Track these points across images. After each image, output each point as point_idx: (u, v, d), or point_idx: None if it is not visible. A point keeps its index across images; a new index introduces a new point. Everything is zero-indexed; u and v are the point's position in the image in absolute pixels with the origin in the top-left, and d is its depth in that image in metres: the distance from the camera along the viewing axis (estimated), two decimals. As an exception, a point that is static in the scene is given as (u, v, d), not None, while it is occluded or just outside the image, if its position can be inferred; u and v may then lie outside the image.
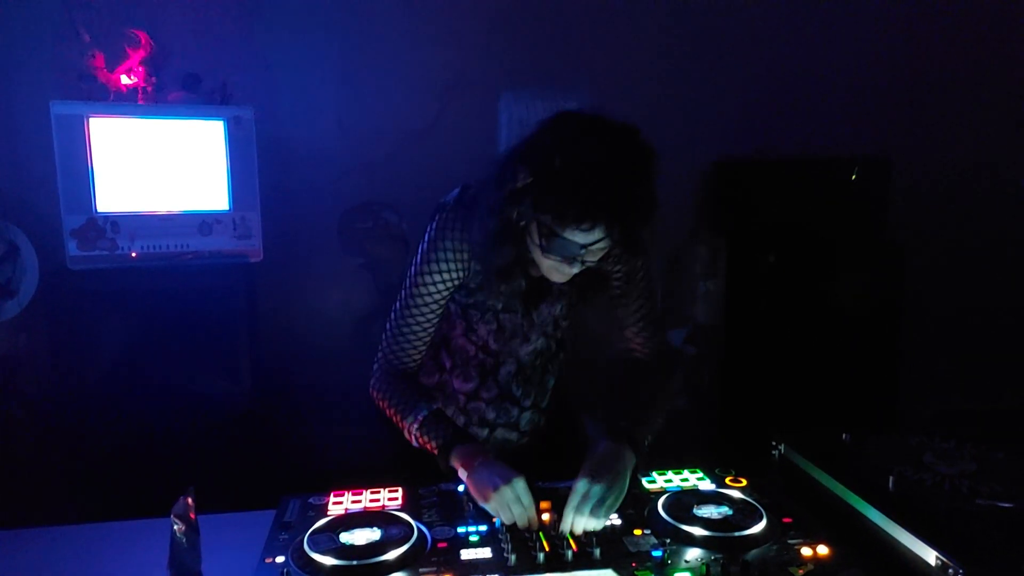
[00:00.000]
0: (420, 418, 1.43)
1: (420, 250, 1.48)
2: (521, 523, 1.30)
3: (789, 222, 2.71)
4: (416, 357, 1.54)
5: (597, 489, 1.27)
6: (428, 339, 1.53)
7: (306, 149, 2.77)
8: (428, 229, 1.48)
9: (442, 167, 2.81)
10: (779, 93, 3.00)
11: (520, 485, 1.30)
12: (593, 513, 1.26)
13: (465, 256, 1.45)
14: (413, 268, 1.49)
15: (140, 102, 2.24)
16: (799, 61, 3.00)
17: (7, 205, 2.44)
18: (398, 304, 1.51)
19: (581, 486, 1.28)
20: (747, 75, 2.99)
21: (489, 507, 1.31)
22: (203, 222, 2.27)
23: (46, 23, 2.42)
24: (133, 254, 2.21)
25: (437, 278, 1.46)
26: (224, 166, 2.29)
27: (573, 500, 1.27)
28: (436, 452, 1.41)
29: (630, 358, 1.62)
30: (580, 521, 1.26)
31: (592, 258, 1.32)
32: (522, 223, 1.32)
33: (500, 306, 1.52)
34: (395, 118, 2.83)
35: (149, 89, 2.26)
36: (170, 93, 2.30)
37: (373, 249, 2.91)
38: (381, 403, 1.53)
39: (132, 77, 2.23)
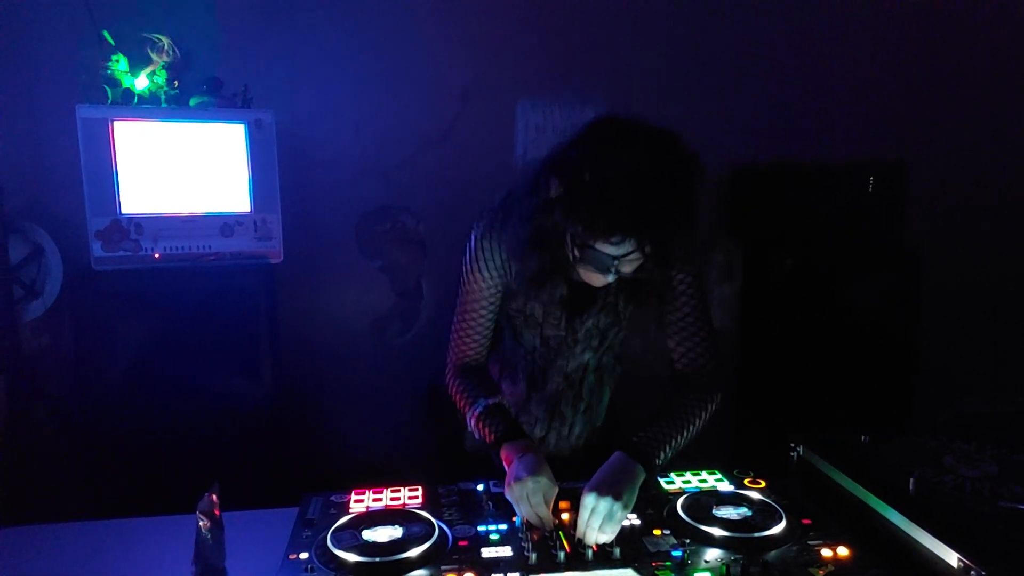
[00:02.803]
0: (477, 412, 1.47)
1: (465, 252, 1.51)
2: (534, 522, 1.31)
3: (806, 227, 2.70)
4: (474, 353, 1.58)
5: (603, 504, 1.26)
6: (485, 335, 1.56)
7: (325, 152, 2.79)
8: (472, 231, 1.51)
9: (459, 171, 2.84)
10: (796, 98, 3.00)
11: (532, 484, 1.30)
12: (602, 527, 1.26)
13: (504, 258, 1.47)
14: (462, 269, 1.52)
15: (163, 106, 2.27)
16: (816, 66, 3.00)
17: (33, 207, 2.48)
18: (457, 305, 1.56)
19: (589, 500, 1.28)
20: (764, 81, 2.98)
21: (508, 498, 1.34)
22: (225, 224, 2.30)
23: (71, 29, 2.46)
24: (156, 255, 2.23)
25: (479, 277, 1.49)
26: (245, 169, 2.32)
27: (583, 514, 1.27)
28: (490, 444, 1.44)
29: (672, 372, 1.58)
30: (591, 535, 1.26)
31: (627, 268, 1.31)
32: (558, 230, 1.32)
33: (543, 317, 1.52)
34: (413, 122, 2.85)
35: (172, 93, 2.29)
36: (192, 97, 2.32)
37: (391, 251, 2.93)
38: (452, 395, 1.57)
39: (155, 81, 2.26)
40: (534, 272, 1.39)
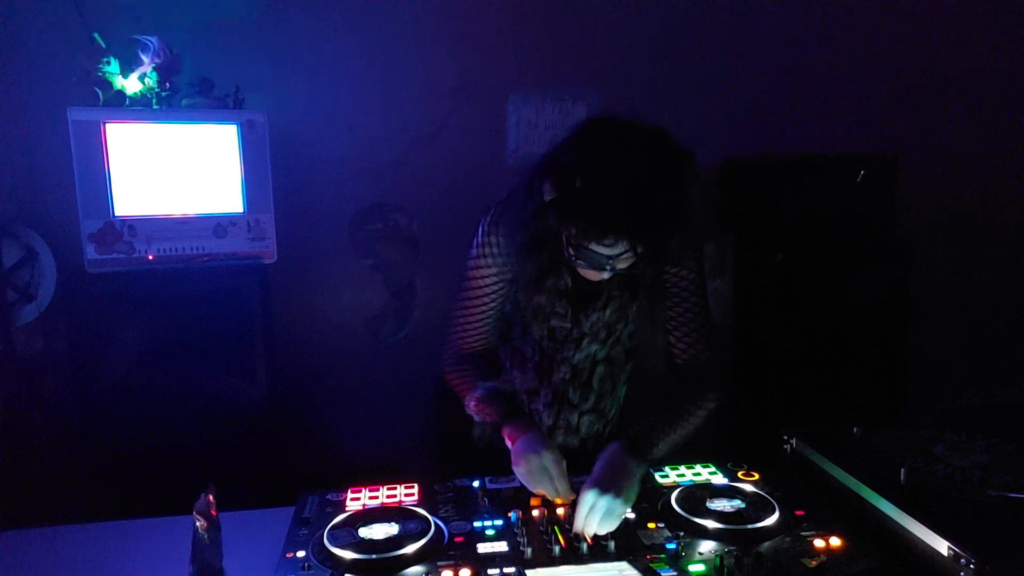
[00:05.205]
0: (479, 394, 1.49)
1: (472, 244, 1.53)
2: (550, 494, 1.34)
3: (797, 220, 2.72)
4: (476, 343, 1.59)
5: (604, 501, 1.27)
6: (488, 326, 1.58)
7: (317, 152, 2.79)
8: (480, 224, 1.53)
9: (451, 169, 2.85)
10: (786, 91, 3.01)
11: (549, 457, 1.35)
12: (602, 523, 1.27)
13: (505, 252, 1.49)
14: (467, 263, 1.54)
15: (155, 107, 2.27)
16: (806, 59, 3.01)
17: (25, 210, 2.48)
18: (458, 294, 1.57)
19: (589, 497, 1.28)
20: (754, 74, 2.99)
21: (519, 474, 1.36)
22: (218, 224, 2.30)
23: (62, 31, 2.45)
24: (150, 257, 2.23)
25: (485, 271, 1.52)
26: (238, 169, 2.32)
27: (582, 510, 1.28)
28: (491, 425, 1.47)
29: (671, 365, 1.61)
30: (590, 529, 1.27)
31: (622, 265, 1.34)
32: (554, 231, 1.36)
33: (549, 309, 1.53)
34: (404, 121, 2.85)
35: (164, 94, 2.28)
36: (184, 98, 2.32)
37: (383, 250, 2.94)
38: (451, 381, 1.59)
39: (147, 83, 2.26)
40: (535, 273, 1.44)
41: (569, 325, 1.56)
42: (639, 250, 1.29)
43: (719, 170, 2.95)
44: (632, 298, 1.53)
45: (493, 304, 1.56)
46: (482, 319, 1.57)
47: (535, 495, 1.38)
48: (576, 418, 1.68)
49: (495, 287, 1.54)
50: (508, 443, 1.41)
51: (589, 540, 1.25)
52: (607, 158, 1.26)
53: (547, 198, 1.32)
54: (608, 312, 1.55)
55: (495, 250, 1.50)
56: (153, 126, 2.24)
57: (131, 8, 2.47)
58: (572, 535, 1.27)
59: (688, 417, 1.51)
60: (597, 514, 1.27)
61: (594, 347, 1.62)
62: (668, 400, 1.53)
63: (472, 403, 1.50)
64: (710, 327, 1.56)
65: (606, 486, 1.29)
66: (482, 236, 1.51)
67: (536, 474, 1.35)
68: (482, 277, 1.53)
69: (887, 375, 2.76)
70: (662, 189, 1.25)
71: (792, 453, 1.59)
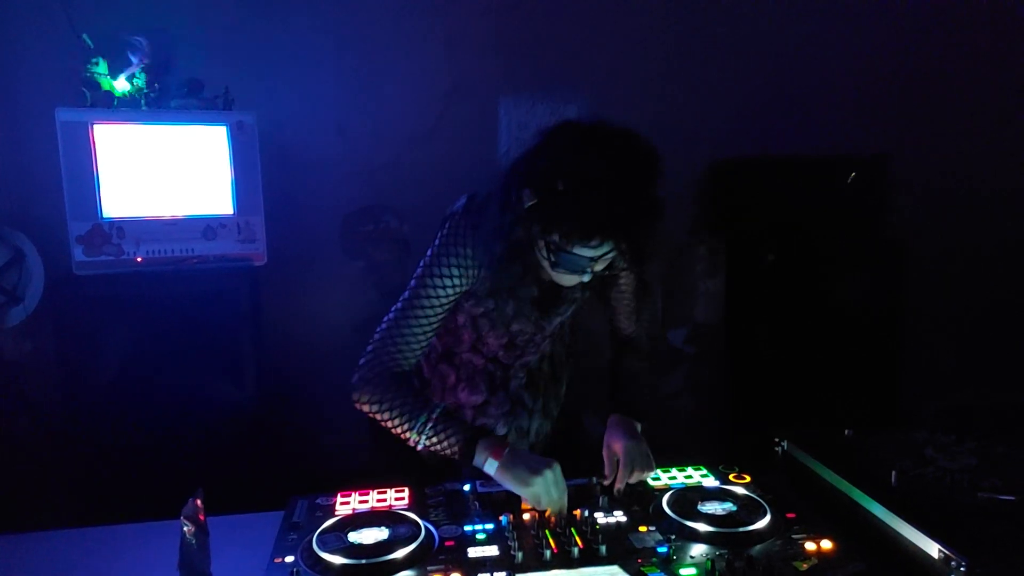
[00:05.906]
0: (434, 417, 1.39)
1: (428, 255, 1.49)
2: (555, 508, 1.33)
3: (788, 221, 2.72)
4: (412, 359, 1.48)
5: (637, 446, 1.48)
6: (427, 341, 1.49)
7: (308, 153, 2.78)
8: (437, 236, 1.49)
9: (442, 171, 2.83)
10: (776, 92, 3.01)
11: (559, 470, 1.35)
12: (642, 467, 1.46)
13: (473, 263, 1.45)
14: (420, 270, 1.48)
15: (144, 108, 2.25)
16: (796, 60, 3.01)
17: (13, 212, 2.46)
18: (400, 305, 1.48)
19: (622, 447, 1.48)
20: (744, 75, 3.00)
21: (528, 492, 1.34)
22: (207, 226, 2.29)
23: (50, 31, 2.43)
24: (138, 259, 2.22)
25: (447, 282, 1.46)
26: (228, 171, 2.30)
27: (625, 459, 1.46)
28: (457, 448, 1.38)
29: (619, 344, 1.73)
30: (636, 476, 1.45)
31: (601, 266, 1.36)
32: (532, 239, 1.36)
33: (512, 314, 1.51)
34: (396, 122, 2.84)
35: (152, 95, 2.27)
36: (173, 99, 2.31)
37: (375, 252, 2.92)
38: (372, 407, 1.44)
39: (136, 83, 2.24)
40: (510, 283, 1.43)
41: (533, 331, 1.58)
42: (622, 247, 1.31)
43: (710, 170, 2.96)
44: (596, 294, 1.60)
45: (443, 316, 1.49)
46: (428, 332, 1.48)
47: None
48: (527, 422, 1.68)
49: (452, 299, 1.48)
50: (491, 460, 1.35)
51: (619, 485, 1.44)
52: (587, 160, 1.27)
53: (527, 205, 1.31)
54: (568, 312, 1.59)
55: (463, 260, 1.44)
56: (142, 127, 2.23)
57: (119, 8, 2.45)
58: (563, 533, 1.27)
59: (647, 374, 1.69)
60: (637, 458, 1.44)
61: (545, 344, 1.65)
62: (625, 365, 1.70)
63: (429, 426, 1.39)
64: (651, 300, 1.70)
65: (629, 436, 1.49)
66: (439, 247, 1.46)
67: (552, 492, 1.33)
68: (443, 287, 1.46)
69: (879, 376, 2.77)
70: (640, 186, 1.28)
71: (783, 455, 1.60)
